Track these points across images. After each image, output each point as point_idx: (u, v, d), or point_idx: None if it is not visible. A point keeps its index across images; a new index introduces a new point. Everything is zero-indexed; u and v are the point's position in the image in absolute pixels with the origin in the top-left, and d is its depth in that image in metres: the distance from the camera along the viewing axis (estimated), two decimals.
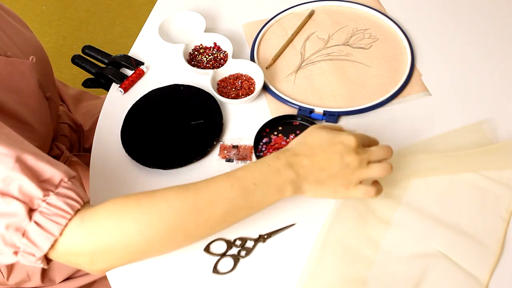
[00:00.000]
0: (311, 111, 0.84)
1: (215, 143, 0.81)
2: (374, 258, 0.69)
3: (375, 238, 0.70)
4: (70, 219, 0.57)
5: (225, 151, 0.81)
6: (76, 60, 0.97)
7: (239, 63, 0.90)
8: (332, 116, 0.83)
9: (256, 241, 0.72)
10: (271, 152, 0.77)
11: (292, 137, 0.82)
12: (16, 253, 0.57)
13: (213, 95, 0.86)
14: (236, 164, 0.79)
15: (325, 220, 0.72)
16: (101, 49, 0.98)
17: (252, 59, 0.93)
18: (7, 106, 0.73)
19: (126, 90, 0.90)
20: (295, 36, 0.97)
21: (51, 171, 0.58)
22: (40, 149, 0.62)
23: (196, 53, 0.94)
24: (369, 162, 0.65)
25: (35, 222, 0.56)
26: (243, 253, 0.71)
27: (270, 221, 0.73)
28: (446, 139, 0.80)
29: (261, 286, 0.68)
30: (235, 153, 0.81)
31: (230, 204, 0.62)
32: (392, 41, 0.95)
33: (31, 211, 0.56)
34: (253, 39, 0.96)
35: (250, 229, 0.72)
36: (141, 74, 0.92)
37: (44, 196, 0.56)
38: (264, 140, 0.81)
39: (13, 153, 0.57)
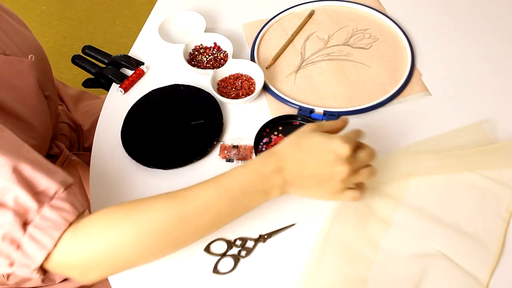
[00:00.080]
0: (311, 111, 0.84)
1: (215, 143, 0.81)
2: (374, 258, 0.69)
3: (375, 238, 0.70)
4: (63, 231, 0.58)
5: (225, 151, 0.81)
6: (76, 60, 0.97)
7: (239, 63, 0.90)
8: (332, 116, 0.83)
9: (256, 241, 0.72)
10: None
11: None
12: (11, 264, 0.57)
13: (213, 95, 0.86)
14: (236, 164, 0.79)
15: (325, 220, 0.72)
16: (101, 49, 0.98)
17: (252, 59, 0.93)
18: (6, 104, 0.73)
19: (126, 90, 0.90)
20: (295, 36, 0.97)
21: (46, 182, 0.58)
22: (39, 147, 0.62)
23: (196, 53, 0.94)
24: (357, 170, 0.65)
25: (29, 235, 0.56)
26: (243, 253, 0.71)
27: (270, 221, 0.73)
28: (446, 139, 0.80)
29: (261, 286, 0.68)
30: (235, 153, 0.81)
31: (218, 213, 0.63)
32: (392, 41, 0.95)
33: (25, 224, 0.57)
34: (253, 39, 0.96)
35: (250, 229, 0.72)
36: (141, 74, 0.92)
37: (39, 208, 0.57)
38: (264, 140, 0.81)
39: (10, 163, 0.57)
